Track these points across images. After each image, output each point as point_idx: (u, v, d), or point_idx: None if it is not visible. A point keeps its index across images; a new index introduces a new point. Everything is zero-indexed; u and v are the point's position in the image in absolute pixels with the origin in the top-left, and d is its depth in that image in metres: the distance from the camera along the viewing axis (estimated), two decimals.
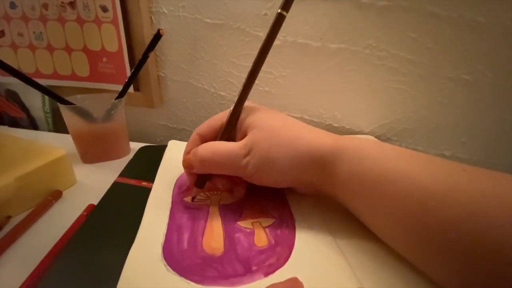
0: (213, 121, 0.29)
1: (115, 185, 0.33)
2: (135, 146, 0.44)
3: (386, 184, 0.21)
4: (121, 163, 0.38)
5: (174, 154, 0.38)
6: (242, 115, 0.27)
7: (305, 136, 0.25)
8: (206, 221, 0.26)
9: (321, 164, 0.24)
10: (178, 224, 0.26)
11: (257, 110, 0.27)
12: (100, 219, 0.27)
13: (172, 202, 0.29)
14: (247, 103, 0.28)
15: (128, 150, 0.44)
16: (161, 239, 0.24)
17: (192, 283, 0.20)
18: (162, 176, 0.33)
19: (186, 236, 0.24)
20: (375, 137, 0.47)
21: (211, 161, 0.26)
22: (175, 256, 0.22)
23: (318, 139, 0.25)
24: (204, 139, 0.29)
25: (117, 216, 0.27)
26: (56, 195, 0.32)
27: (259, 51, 0.27)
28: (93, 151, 0.41)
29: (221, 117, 0.28)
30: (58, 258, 0.23)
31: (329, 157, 0.24)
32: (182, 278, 0.20)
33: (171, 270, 0.21)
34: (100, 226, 0.26)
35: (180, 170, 0.34)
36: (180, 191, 0.31)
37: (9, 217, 0.28)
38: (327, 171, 0.24)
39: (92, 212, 0.28)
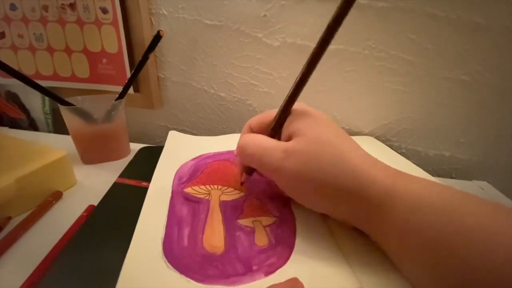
0: (264, 116, 0.27)
1: (115, 185, 0.33)
2: (135, 147, 0.44)
3: (456, 245, 0.17)
4: (121, 164, 0.38)
5: (175, 145, 0.39)
6: (291, 117, 0.25)
7: (355, 162, 0.21)
8: (206, 217, 0.26)
9: (367, 203, 0.21)
10: (178, 217, 0.26)
11: (307, 116, 0.24)
12: (100, 220, 0.27)
13: (172, 192, 0.29)
14: (297, 103, 0.25)
15: (128, 151, 0.44)
16: (161, 233, 0.24)
17: (193, 282, 0.20)
18: (162, 167, 0.33)
19: (186, 232, 0.24)
20: (375, 137, 0.47)
21: (250, 152, 0.25)
22: (176, 253, 0.22)
23: (370, 171, 0.21)
24: (254, 132, 0.28)
25: (117, 216, 0.27)
26: (56, 196, 0.32)
27: (319, 42, 0.22)
28: (93, 152, 0.41)
29: (273, 113, 0.26)
30: (59, 258, 0.23)
31: (381, 198, 0.20)
32: (183, 276, 0.20)
33: (171, 267, 0.21)
34: (100, 227, 0.26)
35: (180, 162, 0.35)
36: (180, 182, 0.31)
37: (9, 218, 0.28)
38: (374, 215, 0.21)
39: (92, 213, 0.28)
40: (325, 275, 0.21)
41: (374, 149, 0.43)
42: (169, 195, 0.29)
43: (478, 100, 0.41)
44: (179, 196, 0.29)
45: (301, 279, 0.19)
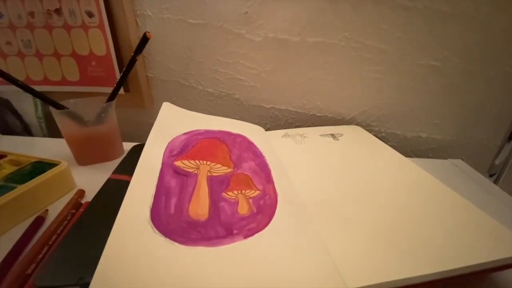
0: None
1: (109, 181, 0.33)
2: (128, 146, 0.44)
3: None
4: (116, 164, 0.39)
5: (168, 117, 0.38)
6: None
7: None
8: (193, 189, 0.27)
9: None
10: (167, 188, 0.26)
11: None
12: (96, 212, 0.28)
13: (163, 164, 0.30)
14: None
15: (121, 151, 0.45)
16: (149, 201, 0.24)
17: (176, 243, 0.21)
18: (154, 138, 0.33)
19: (173, 201, 0.25)
20: (356, 124, 0.49)
21: None
22: (162, 220, 0.23)
23: None
24: None
25: (111, 209, 0.27)
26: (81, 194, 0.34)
27: None
28: (87, 153, 0.42)
29: None
30: (56, 250, 0.24)
31: None
32: (167, 239, 0.21)
33: (157, 231, 0.22)
34: (95, 219, 0.27)
35: (172, 135, 0.35)
36: (170, 154, 0.31)
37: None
38: None
39: (88, 206, 0.29)
40: (300, 243, 0.22)
41: (359, 137, 0.44)
42: (159, 166, 0.29)
43: (449, 83, 0.44)
44: (168, 168, 0.29)
45: (277, 245, 0.21)
